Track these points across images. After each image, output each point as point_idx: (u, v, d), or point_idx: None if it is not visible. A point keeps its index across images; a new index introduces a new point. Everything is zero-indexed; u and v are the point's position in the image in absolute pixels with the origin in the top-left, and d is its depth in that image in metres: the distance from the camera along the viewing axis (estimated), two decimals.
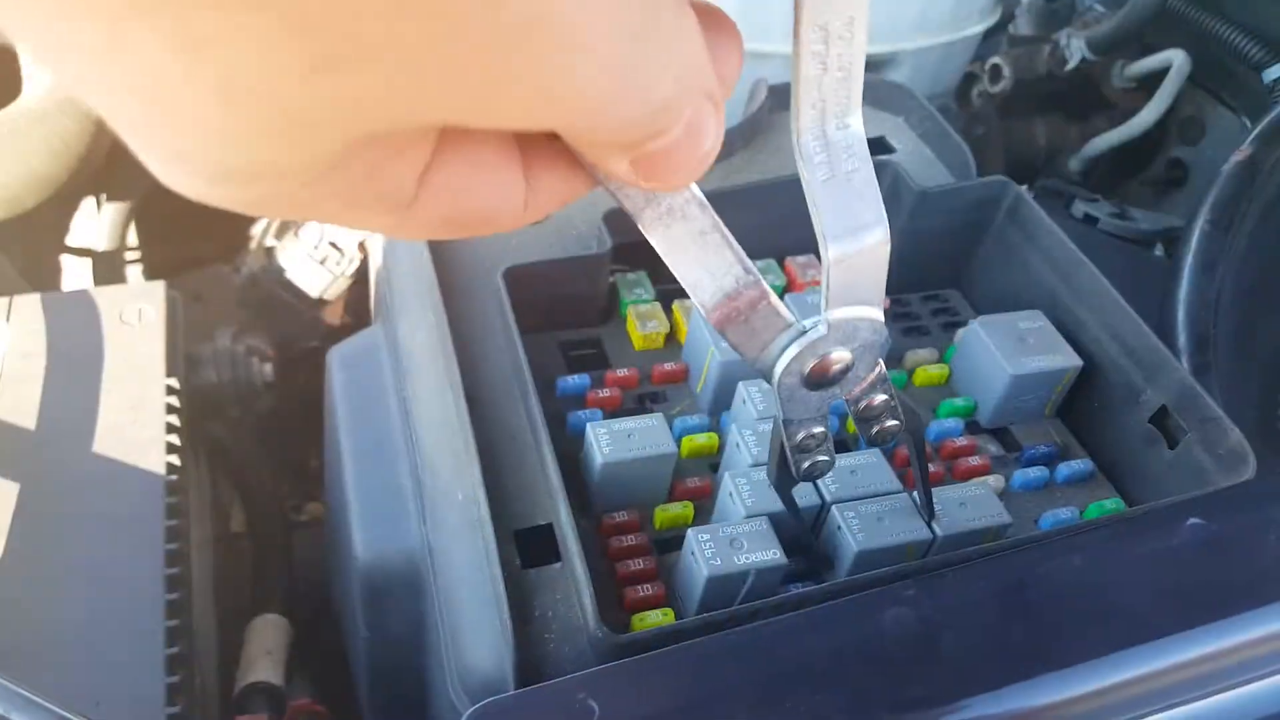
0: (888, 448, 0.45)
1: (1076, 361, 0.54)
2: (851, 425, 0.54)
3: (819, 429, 0.36)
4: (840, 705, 0.32)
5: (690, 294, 0.28)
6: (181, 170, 0.18)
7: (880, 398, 0.36)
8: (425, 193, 0.20)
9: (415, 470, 0.48)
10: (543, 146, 0.22)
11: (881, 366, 0.35)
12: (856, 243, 0.28)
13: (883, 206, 0.27)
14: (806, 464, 0.37)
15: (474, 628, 0.41)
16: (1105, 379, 0.54)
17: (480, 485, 0.43)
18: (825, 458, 0.38)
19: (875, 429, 0.38)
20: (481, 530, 0.42)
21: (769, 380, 0.32)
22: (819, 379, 0.32)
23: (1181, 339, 0.56)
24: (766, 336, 0.30)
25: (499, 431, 0.47)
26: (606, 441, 0.46)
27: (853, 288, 0.29)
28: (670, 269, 0.27)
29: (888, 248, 0.28)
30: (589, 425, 0.46)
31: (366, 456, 0.52)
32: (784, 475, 0.38)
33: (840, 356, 0.32)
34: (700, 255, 0.27)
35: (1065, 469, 0.53)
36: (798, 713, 0.32)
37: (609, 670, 0.34)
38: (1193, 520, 0.36)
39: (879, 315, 0.31)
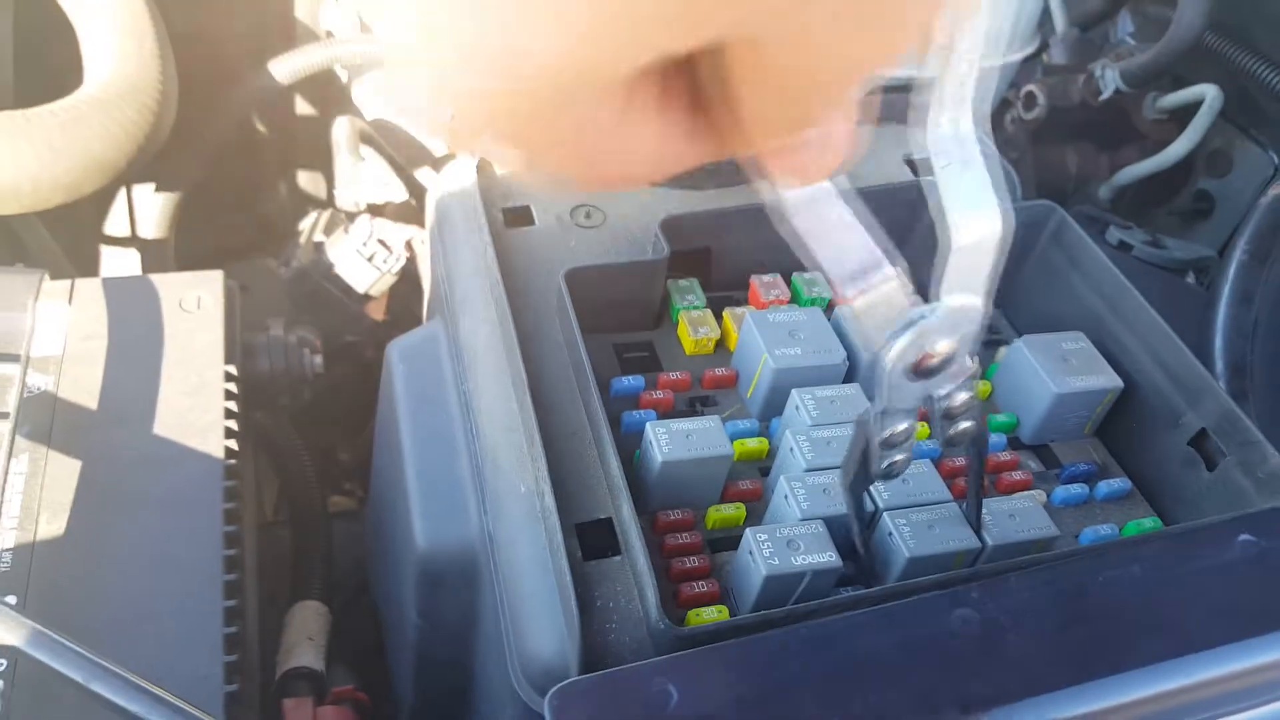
0: (956, 451, 0.46)
1: (1118, 383, 0.56)
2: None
3: (907, 424, 0.37)
4: (910, 700, 0.33)
5: (825, 272, 0.31)
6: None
7: (964, 395, 0.38)
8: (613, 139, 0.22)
9: (476, 462, 0.50)
10: (700, 115, 0.24)
11: (971, 362, 0.37)
12: (972, 232, 0.30)
13: (998, 200, 0.29)
14: (888, 462, 0.39)
15: (537, 616, 0.42)
16: (1145, 401, 0.55)
17: (546, 478, 0.44)
18: (904, 456, 0.39)
19: (952, 430, 0.39)
20: (545, 522, 0.43)
21: (879, 367, 0.34)
22: (924, 368, 0.34)
23: (1219, 365, 0.57)
24: (887, 319, 0.32)
25: (558, 427, 0.49)
26: (666, 441, 0.47)
27: (966, 275, 0.32)
28: (811, 250, 0.30)
29: (999, 239, 0.30)
30: (649, 425, 0.48)
31: (428, 448, 0.53)
32: (860, 475, 0.39)
33: (947, 345, 0.34)
34: (837, 238, 0.29)
35: (1104, 487, 0.55)
36: (868, 704, 0.33)
37: (683, 658, 0.36)
38: (1244, 537, 0.37)
39: (981, 306, 0.33)
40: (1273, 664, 0.33)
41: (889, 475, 0.40)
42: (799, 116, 0.23)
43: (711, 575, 0.47)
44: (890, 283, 0.31)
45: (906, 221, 0.64)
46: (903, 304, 0.32)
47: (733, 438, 0.53)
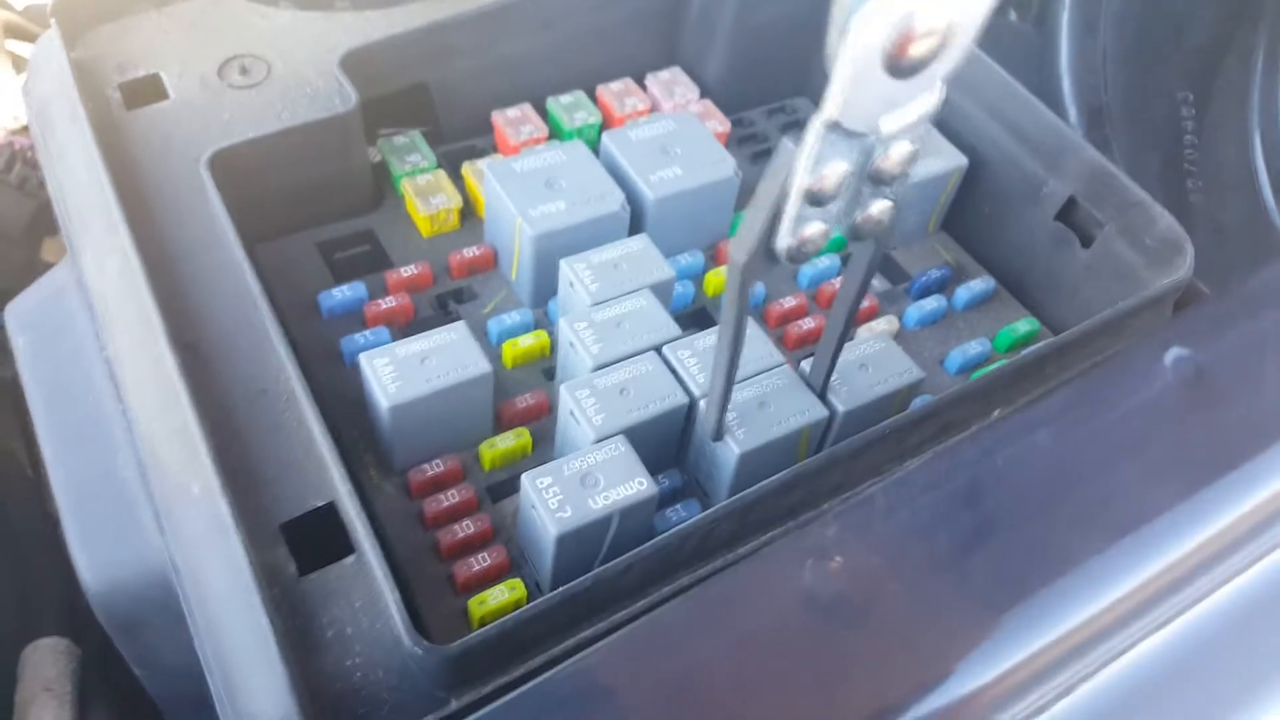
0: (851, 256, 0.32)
1: (961, 160, 0.45)
2: (711, 286, 0.43)
3: (845, 167, 0.24)
4: None
5: None
6: None
7: (908, 148, 0.25)
8: None
9: (139, 459, 0.35)
10: None
11: (942, 92, 0.24)
12: None
13: None
14: (805, 230, 0.26)
15: (246, 666, 0.29)
16: (997, 175, 0.45)
17: (212, 469, 0.30)
18: (824, 228, 0.26)
19: (866, 210, 0.27)
20: (226, 535, 0.29)
21: (841, 43, 0.21)
22: (905, 58, 0.22)
23: (1072, 113, 0.47)
24: None
25: (240, 387, 0.34)
26: (391, 375, 0.33)
27: None
28: None
29: None
30: (363, 358, 0.34)
31: (72, 448, 0.38)
32: (759, 254, 0.26)
33: (937, 25, 0.21)
34: None
35: (964, 292, 0.45)
36: None
37: None
38: (1176, 351, 0.27)
39: None
40: (1243, 515, 0.24)
41: (799, 257, 0.27)
42: None
43: (496, 540, 0.34)
44: None
45: None
46: None
47: (502, 339, 0.40)
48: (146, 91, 0.43)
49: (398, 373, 0.33)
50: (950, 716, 0.21)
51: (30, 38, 0.81)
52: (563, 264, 0.38)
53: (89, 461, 0.37)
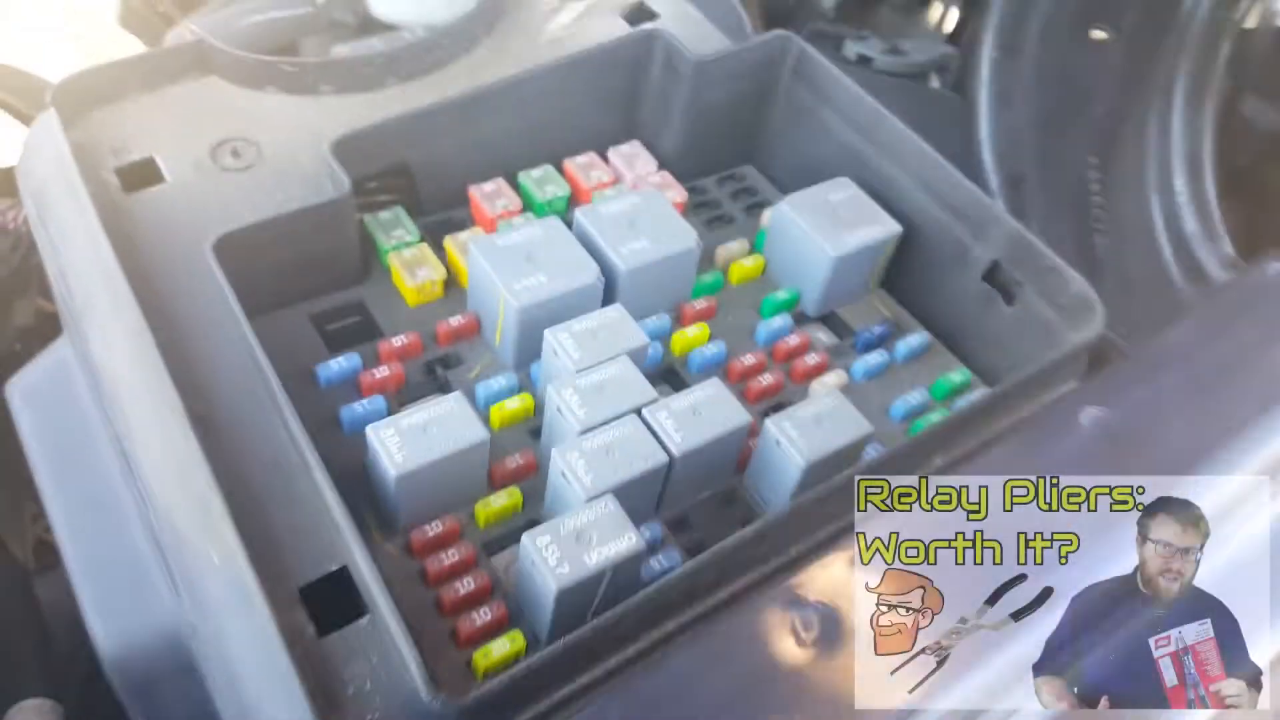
0: None
1: (896, 228, 0.50)
2: (678, 345, 0.47)
3: None
4: None
5: None
6: None
7: None
8: None
9: (153, 528, 0.37)
10: None
11: None
12: None
13: None
14: None
15: None
16: (928, 240, 0.50)
17: (235, 539, 0.33)
18: None
19: None
20: (250, 601, 0.32)
21: None
22: None
23: (993, 181, 0.52)
24: None
25: (251, 457, 0.37)
26: (397, 446, 0.36)
27: None
28: None
29: None
30: (369, 430, 0.37)
31: (83, 519, 0.40)
32: None
33: None
34: None
35: (904, 347, 0.49)
36: None
37: None
38: (1088, 410, 0.32)
39: None
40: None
41: None
42: None
43: (494, 594, 0.37)
44: None
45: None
46: None
47: (489, 403, 0.43)
48: (144, 174, 0.45)
49: (403, 443, 0.36)
50: None
51: None
52: (547, 334, 0.41)
53: (101, 532, 0.39)
